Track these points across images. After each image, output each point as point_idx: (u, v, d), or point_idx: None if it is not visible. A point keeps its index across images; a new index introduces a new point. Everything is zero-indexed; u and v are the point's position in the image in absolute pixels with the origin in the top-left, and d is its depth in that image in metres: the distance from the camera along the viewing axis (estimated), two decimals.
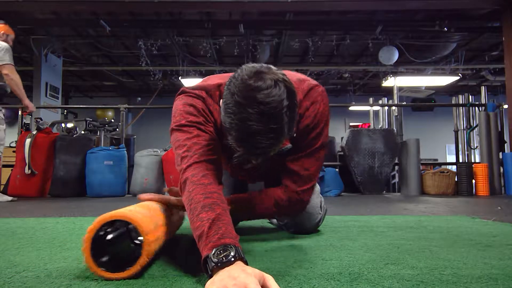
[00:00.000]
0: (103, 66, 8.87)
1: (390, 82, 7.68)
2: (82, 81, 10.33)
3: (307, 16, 6.26)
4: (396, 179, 5.88)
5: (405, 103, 8.47)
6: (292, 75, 1.13)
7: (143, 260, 0.79)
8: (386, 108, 6.94)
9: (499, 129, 4.92)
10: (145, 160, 4.58)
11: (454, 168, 5.27)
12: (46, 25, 6.56)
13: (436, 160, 9.11)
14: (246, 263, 0.74)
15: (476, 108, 5.76)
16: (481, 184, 4.50)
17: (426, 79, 7.99)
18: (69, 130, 4.93)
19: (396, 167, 5.30)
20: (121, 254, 0.81)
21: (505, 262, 0.95)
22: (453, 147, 7.25)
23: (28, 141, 4.30)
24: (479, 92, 6.02)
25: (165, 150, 4.75)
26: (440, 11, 5.97)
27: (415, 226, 1.66)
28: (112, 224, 0.81)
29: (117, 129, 5.62)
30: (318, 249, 1.12)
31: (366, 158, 4.79)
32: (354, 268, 0.89)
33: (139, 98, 11.53)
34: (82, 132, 5.48)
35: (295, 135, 0.92)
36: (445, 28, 6.14)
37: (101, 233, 0.79)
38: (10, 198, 3.54)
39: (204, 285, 0.68)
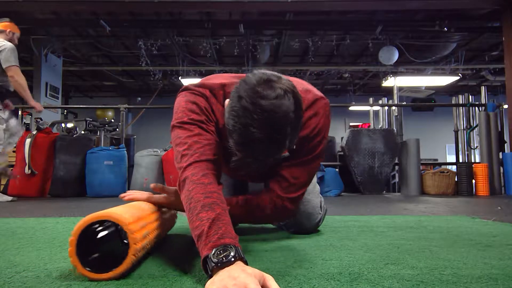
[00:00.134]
0: (103, 66, 8.88)
1: (390, 82, 7.68)
2: (82, 81, 10.33)
3: (307, 16, 6.26)
4: (396, 179, 5.88)
5: (405, 103, 8.47)
6: (299, 85, 1.10)
7: (129, 259, 0.79)
8: (386, 108, 6.94)
9: (499, 129, 4.92)
10: (145, 160, 4.58)
11: (454, 168, 5.27)
12: (46, 25, 6.56)
13: (436, 160, 9.12)
14: (246, 263, 0.74)
15: (476, 108, 5.76)
16: (481, 184, 4.50)
17: (426, 79, 7.99)
18: (69, 130, 4.93)
19: (396, 167, 5.30)
20: (109, 254, 0.80)
21: (505, 262, 0.95)
22: (453, 147, 7.25)
23: (28, 141, 4.30)
24: (479, 92, 6.02)
25: (165, 150, 4.75)
26: (440, 11, 5.97)
27: (415, 226, 1.66)
28: (101, 223, 0.80)
29: (117, 129, 5.62)
30: (318, 249, 1.11)
31: (366, 158, 4.79)
32: (354, 268, 0.89)
33: (139, 98, 11.53)
34: (82, 132, 5.48)
35: (295, 147, 0.91)
36: (445, 28, 6.14)
37: (88, 233, 0.79)
38: (10, 198, 3.53)
39: (204, 285, 0.68)
